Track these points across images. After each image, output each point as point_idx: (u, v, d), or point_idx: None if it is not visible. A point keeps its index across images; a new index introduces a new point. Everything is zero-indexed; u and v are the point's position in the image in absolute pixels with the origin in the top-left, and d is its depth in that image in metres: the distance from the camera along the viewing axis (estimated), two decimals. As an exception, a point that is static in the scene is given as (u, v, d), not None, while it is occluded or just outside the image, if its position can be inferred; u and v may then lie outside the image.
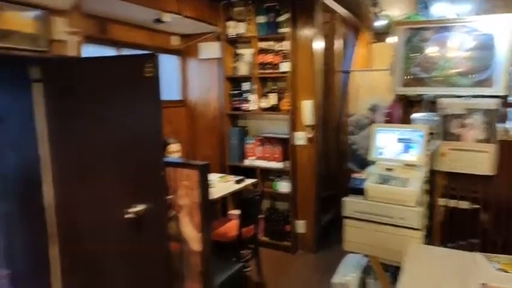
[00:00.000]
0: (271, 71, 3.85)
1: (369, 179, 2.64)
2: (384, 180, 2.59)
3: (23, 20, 1.93)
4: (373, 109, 4.74)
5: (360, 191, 2.62)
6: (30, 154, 2.29)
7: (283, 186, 3.97)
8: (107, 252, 2.25)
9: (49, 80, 2.24)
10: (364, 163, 3.75)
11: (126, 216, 2.02)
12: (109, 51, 3.43)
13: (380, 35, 5.15)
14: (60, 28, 2.11)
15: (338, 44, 4.48)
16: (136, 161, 2.07)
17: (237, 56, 4.08)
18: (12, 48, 1.90)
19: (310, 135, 3.80)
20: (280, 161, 3.92)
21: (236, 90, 4.08)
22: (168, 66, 4.22)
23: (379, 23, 4.98)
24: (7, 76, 2.40)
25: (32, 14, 1.96)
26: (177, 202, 2.21)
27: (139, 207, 2.04)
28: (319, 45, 3.82)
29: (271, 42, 3.86)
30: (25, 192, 2.44)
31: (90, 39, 2.59)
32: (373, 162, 2.80)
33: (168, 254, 2.12)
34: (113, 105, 2.09)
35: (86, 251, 2.31)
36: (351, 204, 2.64)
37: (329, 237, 4.11)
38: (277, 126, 4.00)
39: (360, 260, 2.77)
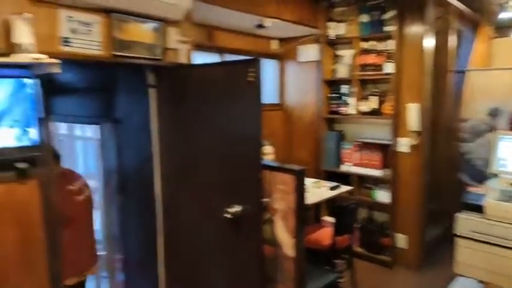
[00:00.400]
0: (372, 72, 3.65)
1: (489, 194, 2.30)
2: (509, 197, 2.23)
3: (143, 31, 2.15)
4: (494, 114, 4.14)
5: (476, 208, 2.30)
6: (145, 153, 2.54)
7: (382, 196, 3.72)
8: (206, 248, 2.36)
9: (162, 85, 2.46)
10: (480, 175, 3.30)
11: (225, 215, 2.10)
12: (213, 58, 3.63)
13: (503, 29, 4.49)
14: (174, 37, 2.30)
15: (452, 41, 4.03)
16: (236, 162, 2.14)
17: (336, 58, 3.96)
18: (134, 57, 2.12)
19: (415, 142, 3.49)
20: (379, 168, 3.68)
21: (334, 93, 3.97)
22: (267, 70, 4.30)
23: (505, 16, 4.34)
24: (129, 82, 2.72)
25: (150, 25, 2.17)
26: (272, 205, 2.22)
27: (237, 208, 2.10)
28: (429, 43, 3.48)
29: (374, 42, 3.65)
30: (139, 187, 2.72)
31: (198, 46, 2.77)
32: (494, 176, 2.44)
33: (262, 257, 2.13)
34: (217, 108, 2.19)
35: (187, 243, 2.47)
36: (466, 221, 2.33)
37: (434, 255, 3.72)
38: (377, 131, 3.77)
39: (474, 286, 2.43)
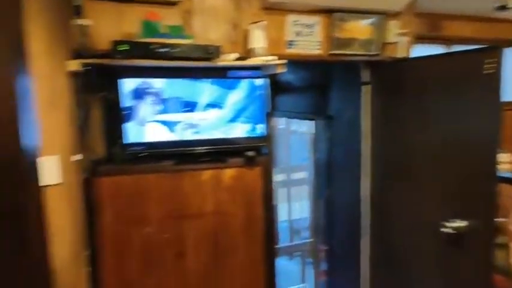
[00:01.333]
0: None
1: None
2: None
3: (360, 28, 2.11)
4: None
5: None
6: (354, 150, 2.52)
7: None
8: (417, 258, 2.14)
9: (376, 81, 2.36)
10: None
11: (442, 229, 1.83)
12: (435, 50, 3.23)
13: None
14: (392, 31, 2.16)
15: None
16: (461, 169, 1.83)
17: None
18: (350, 54, 2.12)
19: None
20: None
21: None
22: (508, 60, 3.50)
23: None
24: (341, 79, 2.75)
25: (369, 20, 2.10)
26: (509, 228, 1.78)
27: (460, 223, 1.79)
28: None
29: None
30: (346, 183, 2.72)
31: (419, 38, 2.51)
32: None
33: (490, 287, 1.75)
34: (441, 106, 1.93)
35: (395, 248, 2.30)
36: None
37: None
38: None
39: None
